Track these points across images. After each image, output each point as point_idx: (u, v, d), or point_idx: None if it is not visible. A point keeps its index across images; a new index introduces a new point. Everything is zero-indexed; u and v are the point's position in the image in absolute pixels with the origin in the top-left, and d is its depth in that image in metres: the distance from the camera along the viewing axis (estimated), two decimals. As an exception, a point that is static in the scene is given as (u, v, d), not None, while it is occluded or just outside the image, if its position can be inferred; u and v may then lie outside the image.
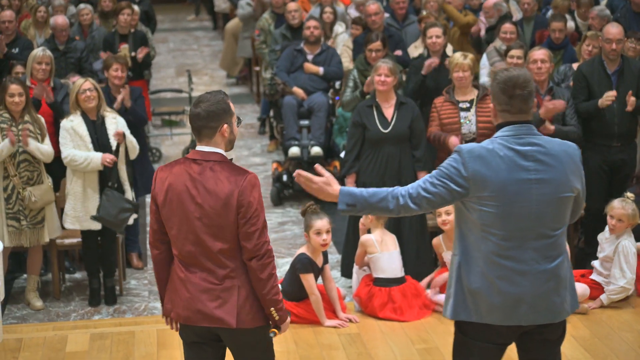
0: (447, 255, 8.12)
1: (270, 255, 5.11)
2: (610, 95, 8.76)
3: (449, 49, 10.65)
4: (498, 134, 4.90)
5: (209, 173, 5.07)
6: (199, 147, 5.13)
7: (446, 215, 8.02)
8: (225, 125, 5.12)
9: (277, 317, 5.15)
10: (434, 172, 4.90)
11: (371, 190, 4.91)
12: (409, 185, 4.92)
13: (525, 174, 4.81)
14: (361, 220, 8.25)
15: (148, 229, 10.49)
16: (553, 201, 4.83)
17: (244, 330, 5.12)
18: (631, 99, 8.79)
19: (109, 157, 8.47)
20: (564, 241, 4.96)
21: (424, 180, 4.88)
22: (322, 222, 7.76)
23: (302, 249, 7.97)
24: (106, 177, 8.57)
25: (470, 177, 4.80)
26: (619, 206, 8.10)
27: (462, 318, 4.94)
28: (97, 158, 8.48)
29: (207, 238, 5.07)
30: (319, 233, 7.76)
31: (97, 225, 8.58)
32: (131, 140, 8.71)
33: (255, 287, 5.09)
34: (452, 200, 4.87)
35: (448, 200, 4.87)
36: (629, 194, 8.23)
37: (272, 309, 5.12)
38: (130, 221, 8.77)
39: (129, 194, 8.74)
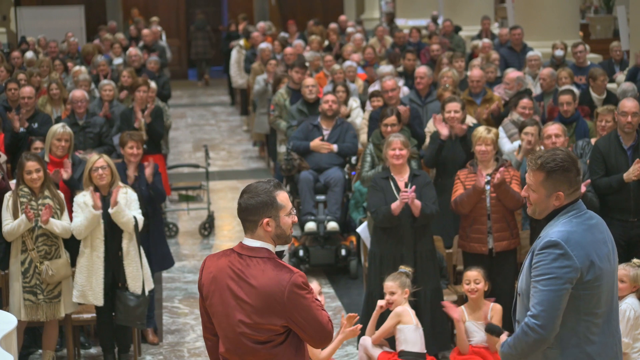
0: (469, 325, 8.07)
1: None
2: (637, 169, 8.76)
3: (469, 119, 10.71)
4: (569, 215, 4.88)
5: (251, 269, 4.87)
6: (244, 240, 4.96)
7: (475, 284, 8.04)
8: (267, 220, 4.91)
9: None
10: (541, 282, 4.79)
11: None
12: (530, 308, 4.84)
13: (605, 247, 4.87)
14: (387, 298, 8.11)
15: (164, 303, 10.53)
16: (616, 270, 4.95)
17: None
18: (638, 170, 8.79)
19: (96, 196, 8.46)
20: None
21: (534, 295, 4.82)
22: (315, 284, 7.53)
23: None
24: (114, 275, 8.61)
25: (581, 266, 4.78)
26: (622, 268, 8.11)
27: None
28: (90, 208, 8.47)
29: (245, 335, 4.87)
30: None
31: (98, 301, 8.56)
32: (127, 215, 8.60)
33: None
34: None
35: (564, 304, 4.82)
36: (635, 260, 8.25)
37: None
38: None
39: (140, 284, 8.68)
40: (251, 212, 4.91)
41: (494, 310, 8.02)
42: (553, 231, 4.86)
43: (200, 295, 5.07)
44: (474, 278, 8.15)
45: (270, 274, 4.84)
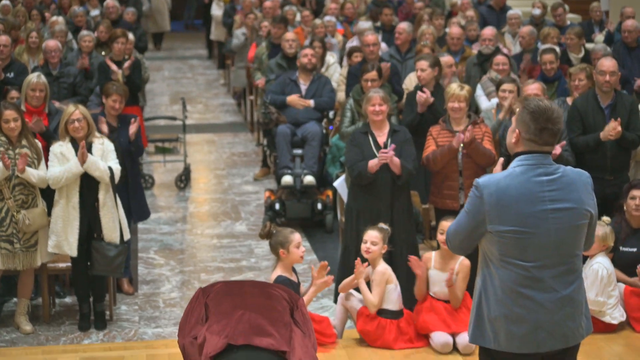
0: (433, 273, 8.08)
1: None
2: (613, 128, 8.81)
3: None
4: (517, 162, 4.96)
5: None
6: None
7: None
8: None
9: None
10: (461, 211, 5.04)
11: None
12: None
13: (542, 204, 4.88)
14: (367, 247, 8.08)
15: (140, 254, 10.54)
16: (570, 229, 4.92)
17: None
18: (617, 129, 8.82)
19: (82, 146, 8.39)
20: (580, 266, 5.05)
21: (455, 219, 5.08)
22: (297, 235, 7.51)
23: (278, 271, 7.39)
24: (91, 225, 8.57)
25: (488, 211, 4.87)
26: None
27: (480, 344, 5.05)
28: (74, 162, 8.44)
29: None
30: (298, 246, 7.48)
31: (73, 251, 8.55)
32: (100, 168, 8.51)
33: None
34: (478, 235, 4.96)
35: (475, 236, 4.98)
36: (604, 218, 8.33)
37: None
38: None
39: (117, 235, 8.64)
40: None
41: (461, 265, 7.97)
42: (490, 175, 4.99)
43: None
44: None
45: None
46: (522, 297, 4.90)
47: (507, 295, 4.91)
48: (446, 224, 8.01)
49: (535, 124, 4.90)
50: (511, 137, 5.03)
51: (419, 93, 9.80)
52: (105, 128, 9.14)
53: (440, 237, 8.05)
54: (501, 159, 5.22)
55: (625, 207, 8.59)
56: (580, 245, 5.01)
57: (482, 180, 4.94)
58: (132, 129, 9.30)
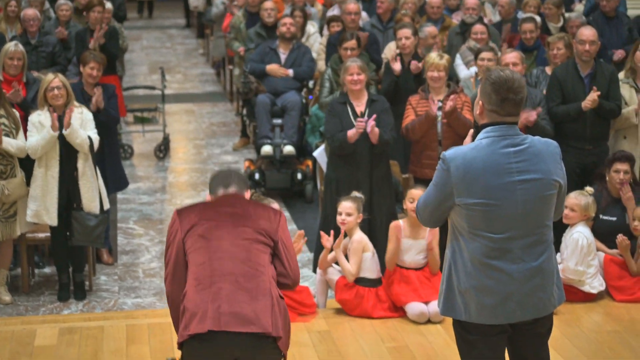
0: (405, 242, 8.06)
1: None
2: (593, 97, 8.83)
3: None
4: (483, 134, 4.93)
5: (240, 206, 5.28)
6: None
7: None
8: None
9: None
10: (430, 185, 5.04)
11: None
12: None
13: (509, 176, 4.85)
14: (343, 218, 8.09)
15: (119, 224, 10.51)
16: (538, 200, 4.90)
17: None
18: (594, 97, 8.84)
19: (54, 116, 8.36)
20: (550, 236, 5.03)
21: (424, 192, 5.09)
22: (276, 205, 7.47)
23: None
24: (70, 195, 8.54)
25: (455, 184, 4.85)
26: (574, 197, 8.24)
27: (452, 316, 5.05)
28: (47, 129, 8.38)
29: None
30: None
31: (53, 221, 8.52)
32: (81, 136, 8.47)
33: None
34: (447, 207, 4.96)
35: (444, 209, 4.98)
36: (587, 188, 8.37)
37: None
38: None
39: (96, 204, 8.62)
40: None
41: (432, 232, 8.00)
42: (457, 148, 4.96)
43: (175, 243, 5.23)
44: (418, 197, 8.03)
45: (259, 207, 5.31)
46: (491, 268, 4.89)
47: (476, 268, 4.90)
48: (415, 192, 8.01)
49: (496, 95, 4.86)
50: (476, 109, 5.01)
51: (413, 62, 9.82)
52: (99, 95, 9.05)
53: (410, 205, 8.01)
54: (471, 130, 5.20)
55: (607, 178, 8.62)
56: (550, 215, 4.99)
57: (449, 152, 4.91)
58: (95, 97, 9.09)
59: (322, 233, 8.03)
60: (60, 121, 8.43)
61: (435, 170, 4.98)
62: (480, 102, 4.96)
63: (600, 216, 8.55)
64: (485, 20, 12.28)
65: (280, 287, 5.25)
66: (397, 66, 9.95)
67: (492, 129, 4.91)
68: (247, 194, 5.40)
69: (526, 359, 5.16)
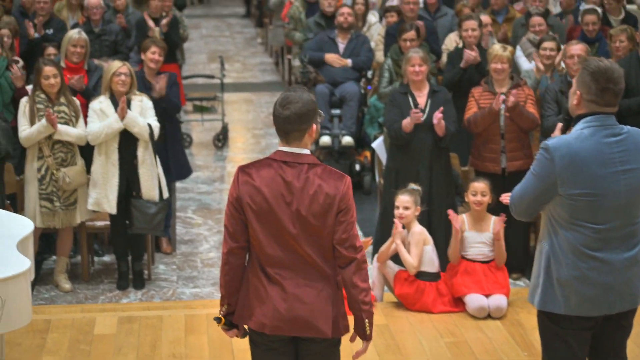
0: (469, 235, 8.02)
1: (365, 261, 4.88)
2: None
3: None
4: (582, 124, 4.89)
5: (305, 176, 4.77)
6: (286, 149, 4.84)
7: (482, 197, 7.96)
8: (315, 126, 4.81)
9: (368, 332, 4.92)
10: (528, 174, 4.96)
11: None
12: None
13: (613, 166, 4.83)
14: (401, 212, 8.05)
15: (178, 214, 10.53)
16: (638, 190, 4.88)
17: (336, 340, 4.94)
18: None
19: (122, 101, 8.40)
20: None
21: (521, 183, 5.00)
22: None
23: None
24: (129, 183, 8.59)
25: (560, 174, 4.82)
26: None
27: (550, 309, 5.00)
28: (113, 118, 8.43)
29: (300, 244, 4.78)
30: None
31: (112, 209, 8.56)
32: (139, 124, 8.50)
33: (351, 296, 4.86)
34: (547, 198, 4.90)
35: (544, 200, 4.92)
36: None
37: (366, 321, 4.90)
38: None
39: (156, 192, 8.67)
40: (304, 121, 4.76)
41: (496, 223, 7.94)
42: (559, 137, 4.93)
43: (233, 209, 4.85)
44: (482, 190, 8.05)
45: (325, 178, 4.77)
46: (593, 259, 4.87)
47: (577, 258, 4.88)
48: (478, 185, 7.98)
49: (596, 85, 4.83)
50: (572, 99, 4.96)
51: (467, 51, 9.70)
52: (164, 82, 9.06)
53: (472, 199, 7.99)
54: (559, 124, 5.15)
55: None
56: None
57: (552, 142, 4.87)
58: (160, 84, 9.08)
59: (396, 222, 7.95)
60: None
61: (535, 160, 4.93)
62: (578, 92, 4.90)
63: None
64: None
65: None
66: (471, 55, 9.75)
67: (592, 119, 4.87)
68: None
69: (606, 354, 5.13)
